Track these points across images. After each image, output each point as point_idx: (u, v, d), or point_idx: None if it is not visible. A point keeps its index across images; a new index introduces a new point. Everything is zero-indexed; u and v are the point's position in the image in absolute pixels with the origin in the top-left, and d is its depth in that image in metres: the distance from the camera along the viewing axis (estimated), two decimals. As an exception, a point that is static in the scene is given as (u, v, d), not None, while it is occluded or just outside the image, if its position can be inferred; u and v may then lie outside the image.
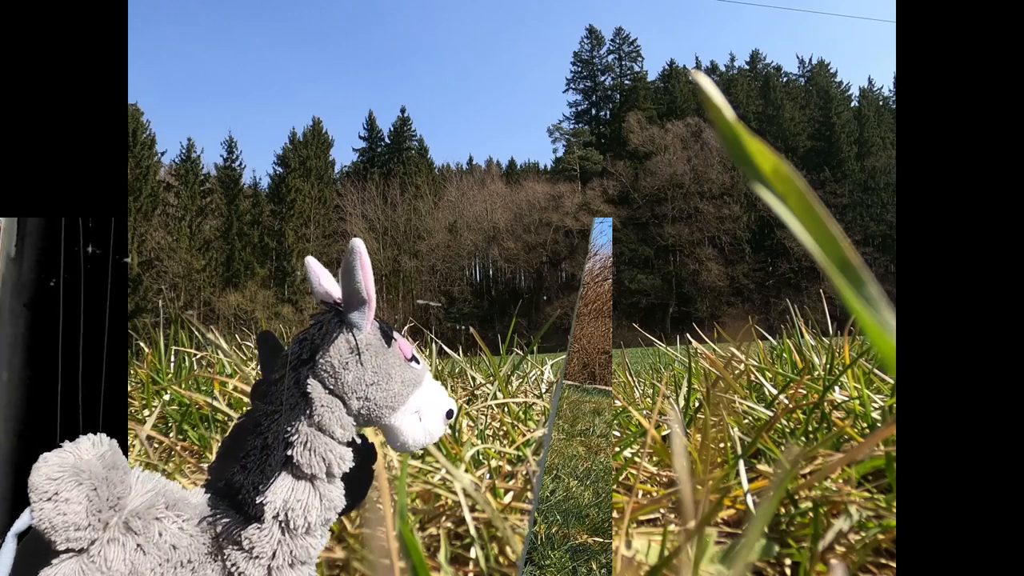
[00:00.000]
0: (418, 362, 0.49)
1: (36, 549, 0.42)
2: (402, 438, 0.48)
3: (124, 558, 0.41)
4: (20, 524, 0.43)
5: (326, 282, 0.49)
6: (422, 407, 0.48)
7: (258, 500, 0.43)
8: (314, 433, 0.44)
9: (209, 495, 0.46)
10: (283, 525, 0.44)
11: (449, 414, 0.50)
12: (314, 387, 0.45)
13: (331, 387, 0.45)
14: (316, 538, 0.46)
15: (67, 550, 0.41)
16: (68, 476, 0.41)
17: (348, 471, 0.47)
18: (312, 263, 0.50)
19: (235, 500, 0.45)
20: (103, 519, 0.41)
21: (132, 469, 0.46)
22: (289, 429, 0.44)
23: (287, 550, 0.44)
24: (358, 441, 0.48)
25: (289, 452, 0.44)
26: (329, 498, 0.45)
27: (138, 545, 0.42)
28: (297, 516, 0.44)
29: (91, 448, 0.43)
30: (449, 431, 1.04)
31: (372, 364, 0.46)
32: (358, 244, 0.44)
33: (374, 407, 0.46)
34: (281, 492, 0.43)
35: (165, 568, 0.42)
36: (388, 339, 0.47)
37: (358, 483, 0.48)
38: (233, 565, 0.43)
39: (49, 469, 0.41)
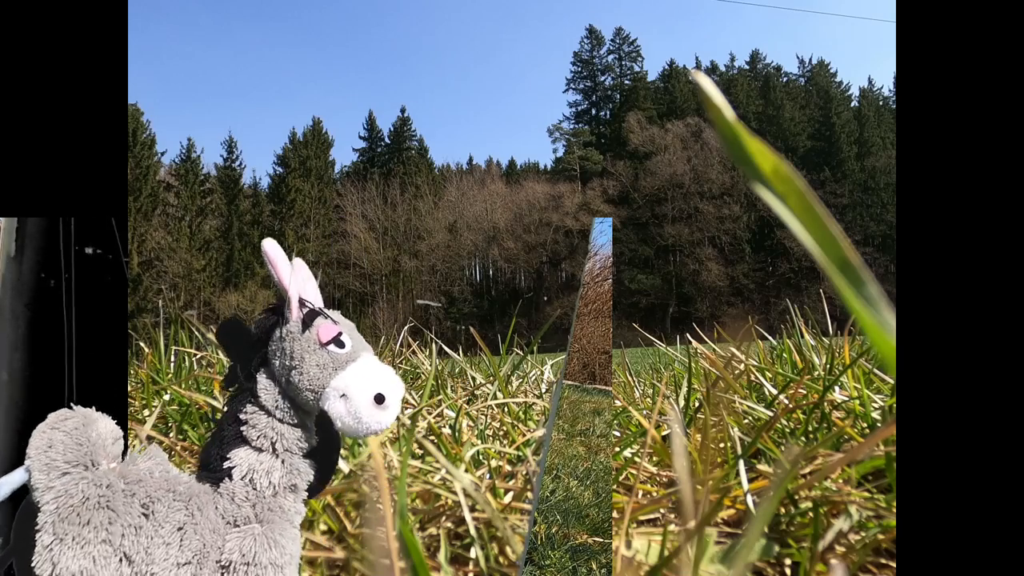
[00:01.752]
0: (342, 346, 0.50)
1: (32, 523, 0.44)
2: (336, 424, 0.49)
3: (152, 474, 0.48)
4: (10, 477, 0.46)
5: (281, 273, 0.53)
6: (347, 390, 0.49)
7: (225, 466, 0.48)
8: (258, 413, 0.49)
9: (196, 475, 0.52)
10: (251, 485, 0.48)
11: (379, 398, 0.48)
12: (260, 373, 0.51)
13: (269, 373, 0.51)
14: (289, 502, 0.49)
15: (66, 464, 0.46)
16: (67, 410, 0.49)
17: (304, 450, 0.51)
18: (268, 249, 0.51)
19: (210, 468, 0.50)
20: (102, 440, 0.48)
21: (146, 449, 0.52)
22: (241, 408, 0.50)
23: (263, 504, 0.48)
24: (309, 426, 0.51)
25: (241, 428, 0.49)
26: (292, 463, 0.49)
27: (163, 468, 0.49)
28: (261, 478, 0.48)
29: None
30: (449, 431, 1.04)
31: (290, 350, 0.49)
32: (265, 244, 0.50)
33: (297, 390, 0.49)
34: (245, 458, 0.49)
35: (189, 489, 0.48)
36: (307, 326, 0.50)
37: (319, 470, 0.52)
38: (223, 509, 0.48)
39: (51, 415, 0.48)
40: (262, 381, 0.50)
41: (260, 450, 0.49)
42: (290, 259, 0.51)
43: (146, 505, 0.46)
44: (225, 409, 0.52)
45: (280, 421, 0.49)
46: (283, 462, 0.49)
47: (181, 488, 0.48)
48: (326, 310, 0.52)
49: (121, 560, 0.44)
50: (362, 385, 0.49)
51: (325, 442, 0.52)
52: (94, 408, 0.50)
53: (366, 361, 0.50)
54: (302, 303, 0.51)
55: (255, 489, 0.48)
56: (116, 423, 0.51)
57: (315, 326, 0.50)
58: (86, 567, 0.42)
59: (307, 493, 0.51)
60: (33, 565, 0.42)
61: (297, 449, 0.50)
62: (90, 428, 0.47)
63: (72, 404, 0.49)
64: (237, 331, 0.52)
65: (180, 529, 0.46)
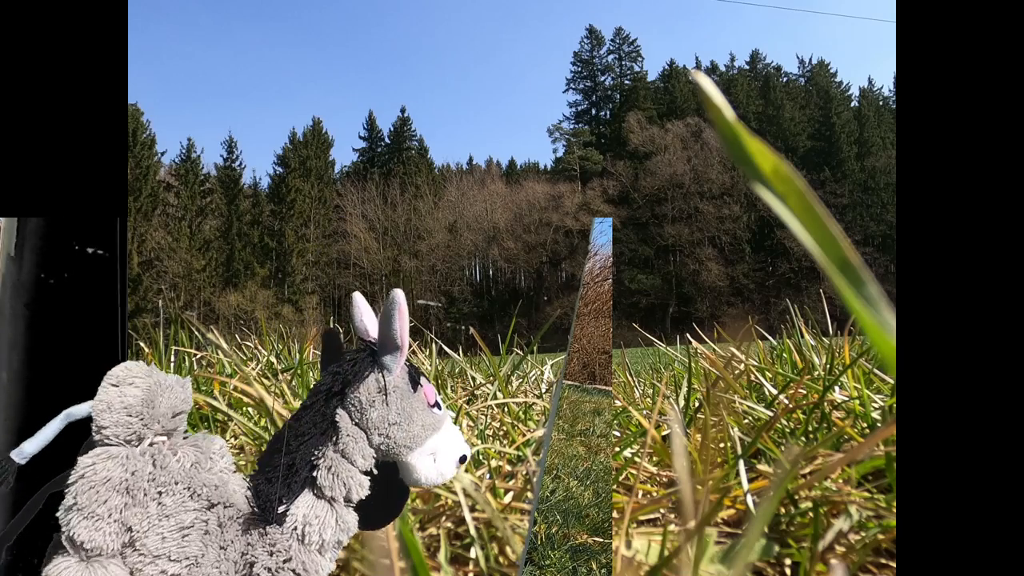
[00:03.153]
0: (440, 408, 0.52)
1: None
2: (415, 475, 0.51)
3: (181, 465, 0.47)
4: (77, 410, 0.48)
5: (367, 320, 0.52)
6: (438, 450, 0.51)
7: (280, 510, 0.47)
8: (338, 459, 0.48)
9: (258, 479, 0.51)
10: (299, 537, 0.47)
11: (462, 459, 0.52)
12: (342, 417, 0.48)
13: (356, 420, 0.49)
14: (325, 559, 0.48)
15: (113, 438, 0.46)
16: (142, 369, 0.48)
17: (369, 498, 0.50)
18: (358, 300, 0.53)
19: (264, 497, 0.49)
20: (157, 419, 0.47)
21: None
22: (316, 453, 0.48)
23: (300, 559, 0.47)
24: (374, 472, 0.50)
25: (314, 473, 0.47)
26: (344, 520, 0.48)
27: (195, 463, 0.47)
28: (313, 531, 0.47)
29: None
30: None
31: (397, 406, 0.49)
32: (399, 296, 0.48)
33: (393, 444, 0.49)
34: (302, 507, 0.47)
35: (213, 495, 0.47)
36: (415, 384, 0.51)
37: (383, 510, 0.52)
38: (254, 555, 0.46)
39: (127, 363, 0.48)
40: (348, 427, 0.48)
41: (325, 500, 0.48)
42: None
43: (161, 493, 0.46)
44: (289, 447, 0.50)
45: (360, 471, 0.48)
46: (337, 518, 0.48)
47: (205, 491, 0.47)
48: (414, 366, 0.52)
49: (128, 538, 0.45)
50: (451, 447, 0.52)
51: (392, 488, 0.52)
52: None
53: (450, 423, 0.53)
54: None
55: (302, 543, 0.47)
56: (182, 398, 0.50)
57: (422, 386, 0.51)
58: (95, 538, 0.44)
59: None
60: (57, 515, 0.45)
61: (360, 499, 0.49)
62: (156, 400, 0.47)
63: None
64: (336, 343, 0.51)
65: (183, 530, 0.45)
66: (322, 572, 0.48)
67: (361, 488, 0.48)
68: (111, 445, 0.46)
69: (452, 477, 0.52)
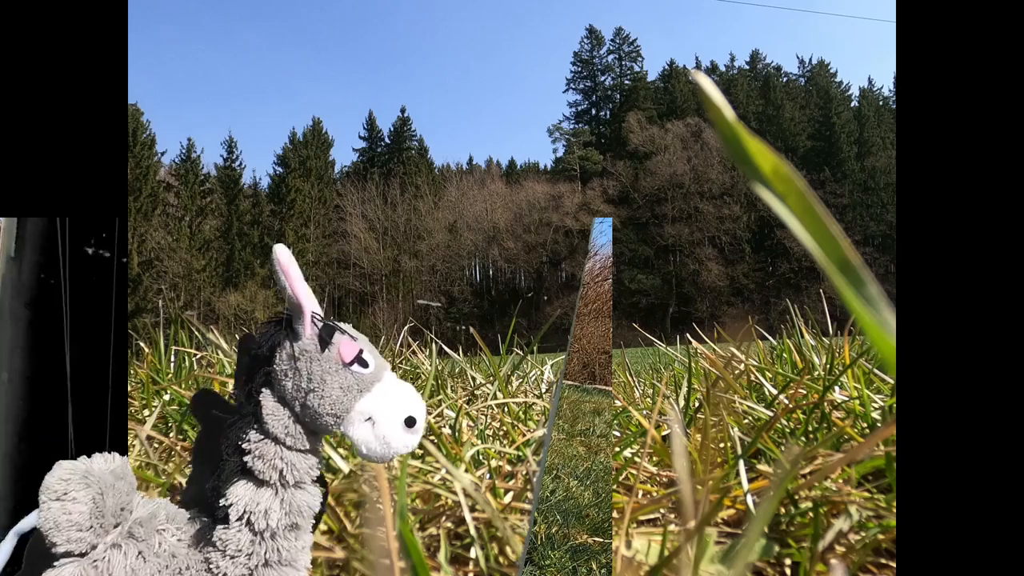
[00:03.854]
0: (366, 365, 0.46)
1: (42, 552, 0.44)
2: (359, 448, 0.46)
3: (126, 564, 0.43)
4: (25, 523, 0.46)
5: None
6: (373, 413, 0.45)
7: (221, 503, 0.44)
8: (263, 442, 0.45)
9: (190, 509, 0.48)
10: (249, 527, 0.44)
11: (410, 421, 0.45)
12: (264, 396, 0.45)
13: (278, 395, 0.46)
14: (289, 540, 0.45)
15: (68, 553, 0.43)
16: (78, 479, 0.43)
17: (315, 478, 0.47)
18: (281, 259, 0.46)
19: (206, 505, 0.46)
20: (106, 524, 0.44)
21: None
22: (243, 437, 0.45)
23: (260, 550, 0.45)
24: (320, 451, 0.47)
25: (245, 459, 0.45)
26: (293, 502, 0.45)
27: (140, 552, 0.44)
28: (259, 519, 0.44)
29: (103, 462, 0.46)
30: (449, 431, 1.04)
31: (307, 371, 0.45)
32: (277, 251, 0.44)
33: (316, 415, 0.45)
34: (244, 496, 0.44)
35: (164, 575, 0.44)
36: (324, 344, 0.45)
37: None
38: (215, 566, 0.44)
39: (62, 472, 0.44)
40: (268, 405, 0.45)
41: (264, 484, 0.45)
42: (296, 261, 0.47)
43: None
44: (195, 441, 0.47)
45: (290, 449, 0.45)
46: (282, 501, 0.45)
47: (176, 563, 0.44)
48: (340, 323, 0.47)
49: None
50: (391, 408, 0.45)
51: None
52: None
53: (390, 381, 0.47)
54: (315, 317, 0.45)
55: (253, 532, 0.44)
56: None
57: (335, 344, 0.45)
58: None
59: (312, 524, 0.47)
60: None
61: (308, 479, 0.46)
62: (102, 507, 0.43)
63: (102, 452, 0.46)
64: (250, 345, 0.47)
65: None
66: (288, 553, 0.45)
67: (295, 469, 0.45)
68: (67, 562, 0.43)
69: (409, 446, 0.45)
